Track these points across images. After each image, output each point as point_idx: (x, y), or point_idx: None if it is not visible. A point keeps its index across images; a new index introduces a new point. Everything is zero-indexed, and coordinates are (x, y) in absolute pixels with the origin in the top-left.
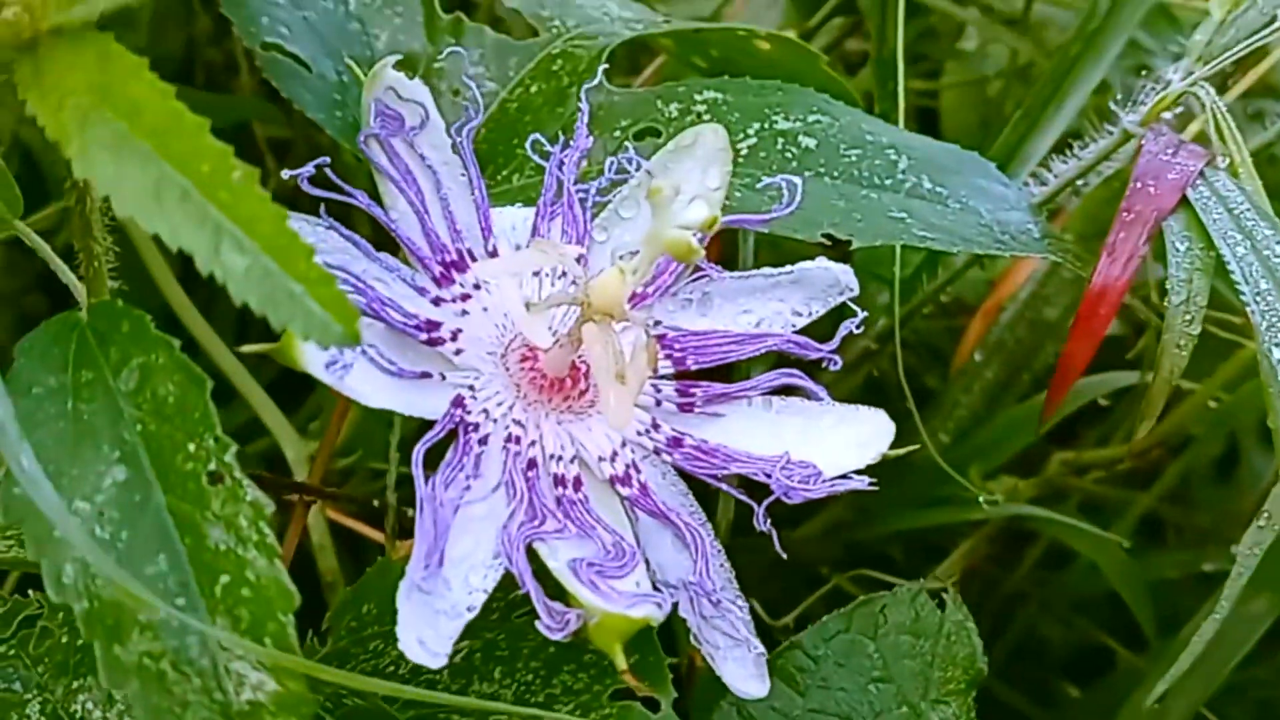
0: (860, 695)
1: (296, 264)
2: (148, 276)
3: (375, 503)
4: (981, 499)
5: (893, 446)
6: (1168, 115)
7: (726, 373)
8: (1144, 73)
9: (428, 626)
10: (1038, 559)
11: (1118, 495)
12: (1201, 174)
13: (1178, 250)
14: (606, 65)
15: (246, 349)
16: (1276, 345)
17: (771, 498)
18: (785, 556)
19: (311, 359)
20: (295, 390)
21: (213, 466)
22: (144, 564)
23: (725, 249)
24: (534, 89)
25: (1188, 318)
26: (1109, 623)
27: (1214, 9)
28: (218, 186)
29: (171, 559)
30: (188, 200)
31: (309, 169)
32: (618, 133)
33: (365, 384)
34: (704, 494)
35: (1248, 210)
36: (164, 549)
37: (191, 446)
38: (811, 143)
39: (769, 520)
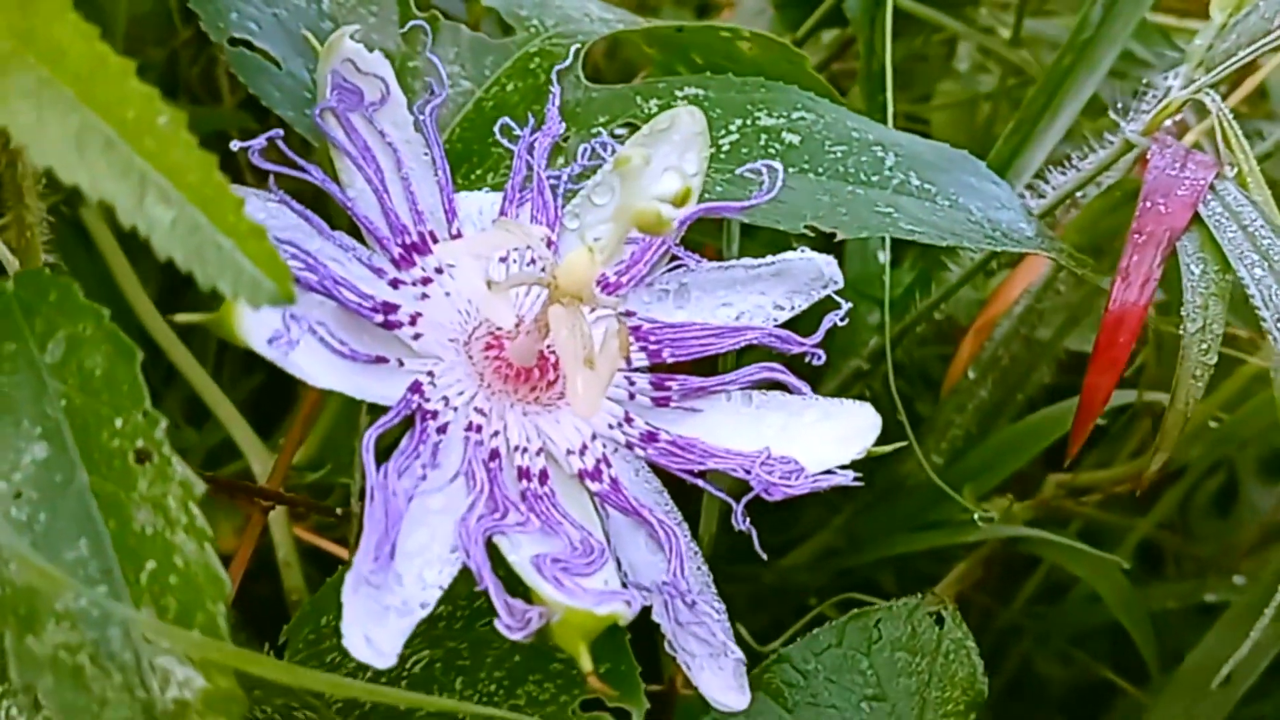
0: (853, 714)
1: (225, 216)
2: (114, 282)
3: (339, 510)
4: (977, 517)
5: (885, 469)
6: (1166, 123)
7: (705, 367)
8: (1140, 84)
9: (375, 623)
10: (1033, 592)
11: (1115, 521)
12: (1211, 187)
13: (1193, 274)
14: (589, 76)
15: (180, 318)
16: None
17: (751, 494)
18: (771, 585)
19: (252, 331)
20: (271, 412)
21: (140, 444)
22: (63, 548)
23: (710, 249)
24: (510, 87)
25: (1204, 346)
26: (1107, 657)
27: (1215, 13)
28: (143, 133)
29: (93, 543)
30: (111, 149)
31: (260, 141)
32: (595, 129)
33: (312, 363)
34: (687, 507)
35: (1262, 227)
36: (85, 532)
37: (119, 422)
38: (795, 139)
39: (758, 542)
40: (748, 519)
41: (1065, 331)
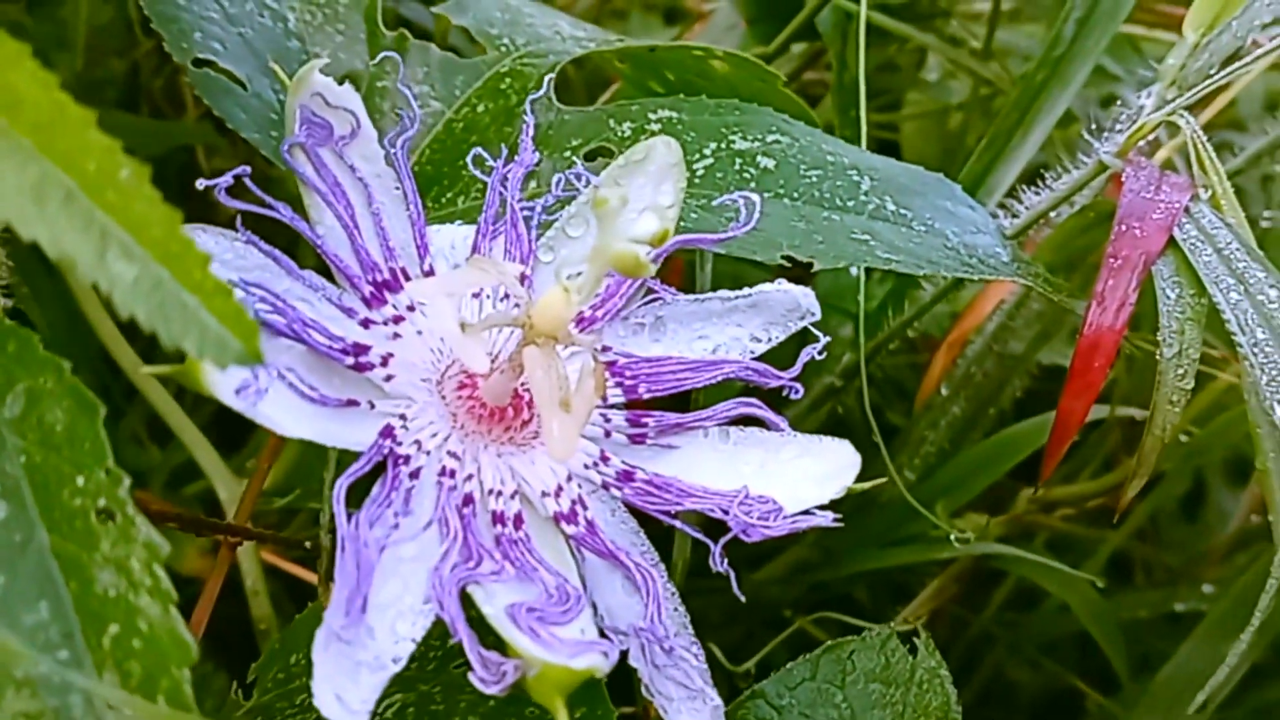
0: None
1: (191, 273)
2: (82, 317)
3: (308, 544)
4: (952, 536)
5: (858, 483)
6: (1139, 144)
7: (681, 402)
8: (1114, 102)
9: (347, 680)
10: (1005, 600)
11: (1086, 533)
12: (1186, 209)
13: (1169, 298)
14: (559, 93)
15: (147, 370)
16: (1279, 401)
17: (729, 535)
18: (745, 599)
19: (219, 383)
20: (238, 430)
21: (103, 503)
22: (23, 612)
23: (685, 279)
24: (480, 108)
25: (1180, 372)
26: (1078, 665)
27: (1187, 32)
28: (105, 186)
29: (54, 606)
30: (72, 202)
31: (227, 179)
32: (568, 152)
33: (282, 411)
34: (660, 533)
35: (1237, 250)
36: (46, 595)
37: (80, 480)
38: (770, 163)
39: (727, 560)
40: (722, 551)
41: (1038, 346)
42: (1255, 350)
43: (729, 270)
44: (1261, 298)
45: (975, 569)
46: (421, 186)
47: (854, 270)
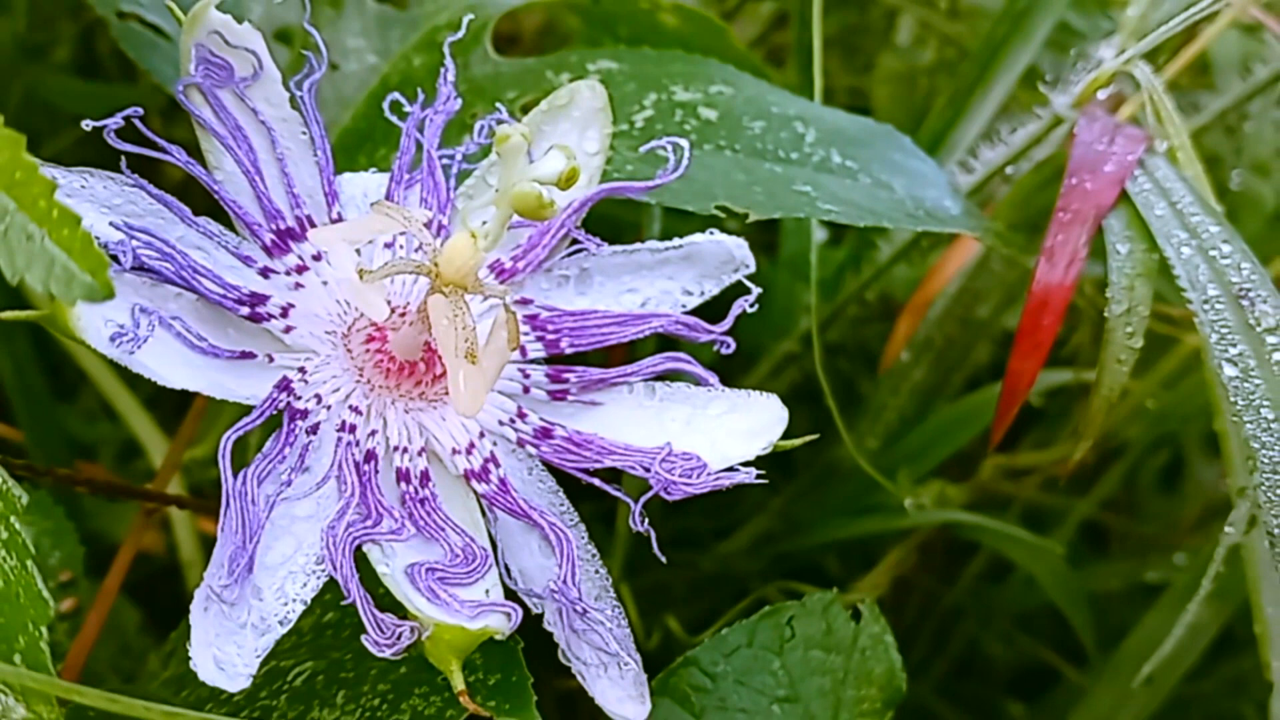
0: (763, 717)
1: (36, 203)
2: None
3: None
4: (909, 504)
5: (821, 452)
6: (1100, 95)
7: (607, 357)
8: (1074, 56)
9: (228, 642)
10: (979, 572)
11: (1057, 502)
12: (1140, 162)
13: (1119, 254)
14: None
15: (5, 316)
16: (1228, 360)
17: (650, 494)
18: (711, 571)
19: (89, 329)
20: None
21: None
22: None
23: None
24: (416, 62)
25: (1129, 330)
26: (1053, 635)
27: None
28: None
29: None
30: None
31: (116, 120)
32: (503, 104)
33: (164, 361)
34: (605, 501)
35: (1191, 204)
36: None
37: None
38: (713, 114)
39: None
40: (642, 512)
41: (1002, 310)
42: (1206, 307)
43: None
44: (1214, 252)
45: (946, 540)
46: (356, 142)
47: (819, 234)
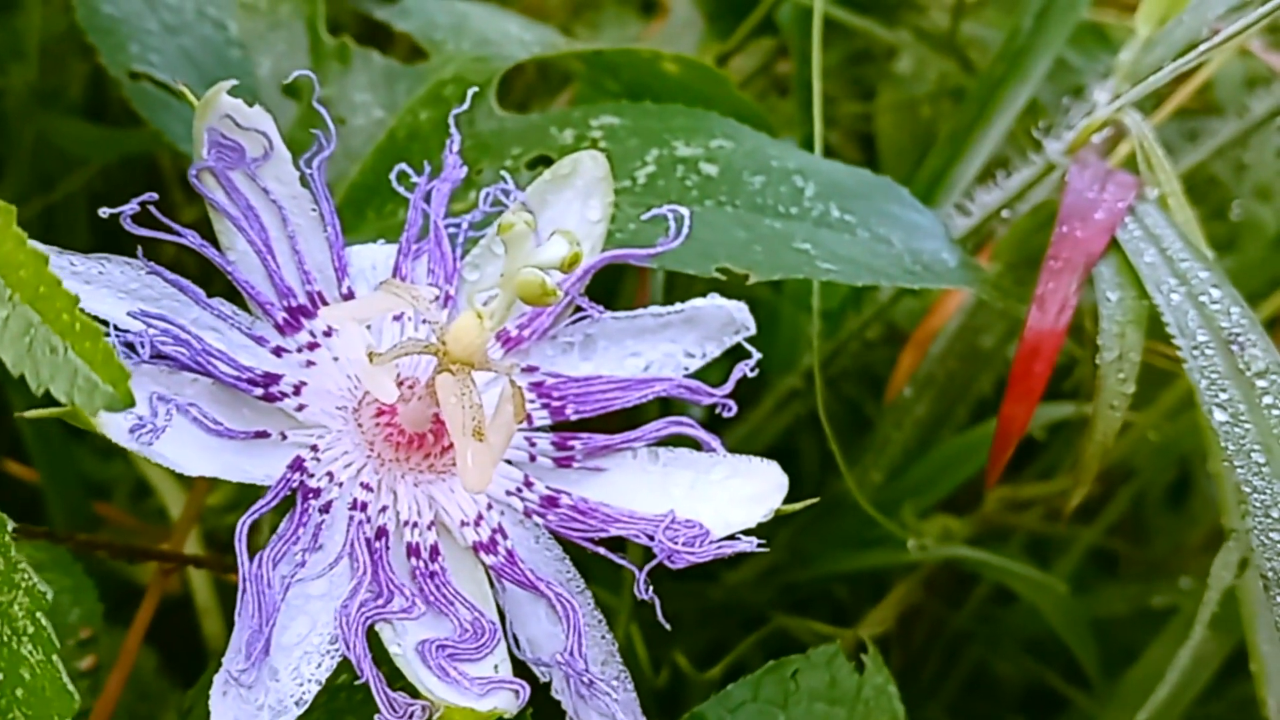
0: None
1: (60, 316)
2: None
3: None
4: (910, 544)
5: (824, 487)
6: (1096, 138)
7: (612, 423)
8: (1075, 94)
9: None
10: (986, 595)
11: (1063, 531)
12: (1131, 209)
13: (1109, 301)
14: (518, 92)
15: (30, 414)
16: (1218, 405)
17: (653, 562)
18: (719, 601)
19: (109, 423)
20: None
21: None
22: None
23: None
24: (423, 115)
25: (1121, 375)
26: (1061, 658)
27: (1140, 26)
28: None
29: None
30: None
31: (133, 206)
32: (509, 161)
33: (183, 449)
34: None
35: (1181, 250)
36: None
37: None
38: (713, 170)
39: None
40: (651, 585)
41: (1005, 341)
42: (1195, 353)
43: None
44: (1204, 298)
45: (953, 567)
46: (364, 197)
47: None
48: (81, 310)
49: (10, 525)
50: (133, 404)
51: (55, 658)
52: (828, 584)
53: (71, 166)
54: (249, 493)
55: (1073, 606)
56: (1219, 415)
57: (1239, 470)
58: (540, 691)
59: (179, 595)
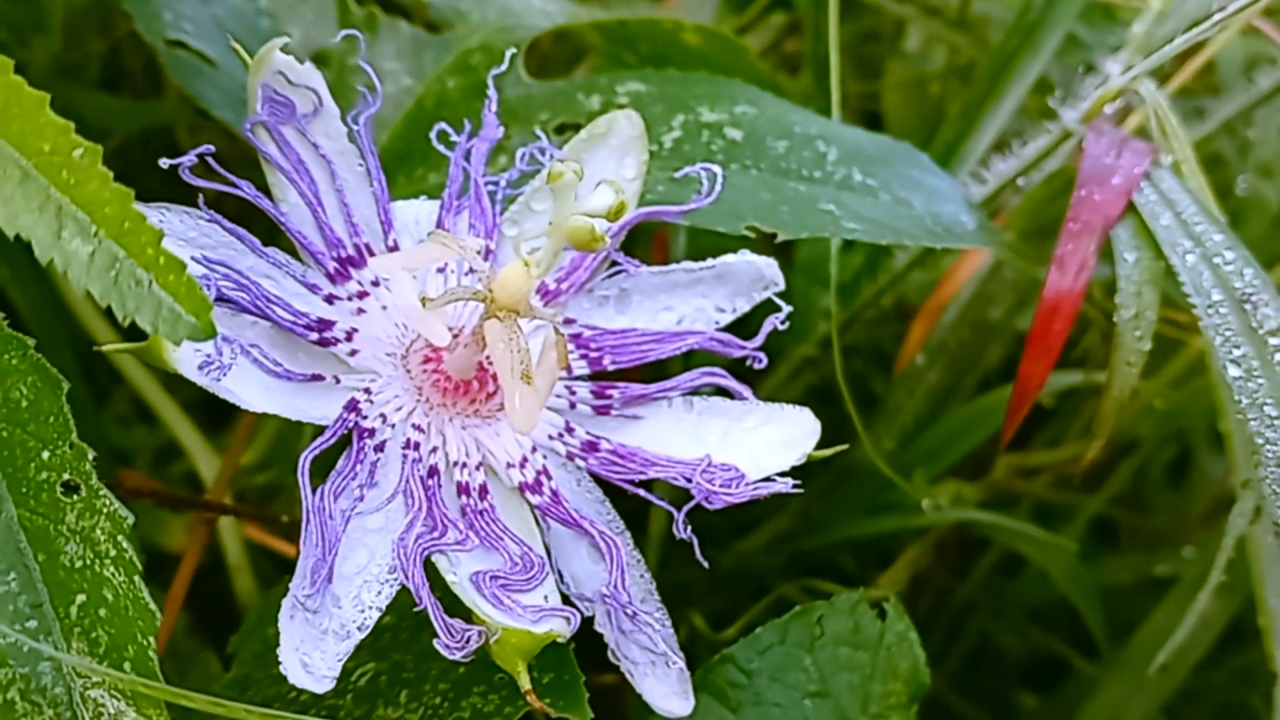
0: (796, 711)
1: (144, 250)
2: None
3: (284, 518)
4: (925, 504)
5: (839, 453)
6: (1108, 109)
7: (646, 373)
8: (1083, 68)
9: (313, 647)
10: (991, 566)
11: (1068, 498)
12: (1147, 175)
13: (1126, 261)
14: (535, 66)
15: (108, 349)
16: (1232, 362)
17: (692, 503)
18: (730, 568)
19: (182, 359)
20: (223, 409)
21: (68, 476)
22: None
23: (669, 252)
24: (450, 84)
25: (1137, 333)
26: (1065, 628)
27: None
28: (59, 166)
29: (22, 577)
30: (28, 182)
31: (190, 158)
32: (536, 126)
33: (246, 387)
34: (638, 506)
35: (1195, 214)
36: (14, 566)
37: (46, 454)
38: (738, 135)
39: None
40: (686, 519)
41: (1015, 313)
42: (1210, 311)
43: (707, 242)
44: (1218, 259)
45: (959, 536)
46: (394, 163)
47: (834, 240)
48: (164, 246)
49: (91, 454)
50: (214, 334)
51: (137, 579)
52: (835, 553)
53: (91, 139)
54: (278, 454)
55: (1081, 572)
56: (1233, 371)
57: (1252, 423)
58: (581, 629)
59: (206, 561)
